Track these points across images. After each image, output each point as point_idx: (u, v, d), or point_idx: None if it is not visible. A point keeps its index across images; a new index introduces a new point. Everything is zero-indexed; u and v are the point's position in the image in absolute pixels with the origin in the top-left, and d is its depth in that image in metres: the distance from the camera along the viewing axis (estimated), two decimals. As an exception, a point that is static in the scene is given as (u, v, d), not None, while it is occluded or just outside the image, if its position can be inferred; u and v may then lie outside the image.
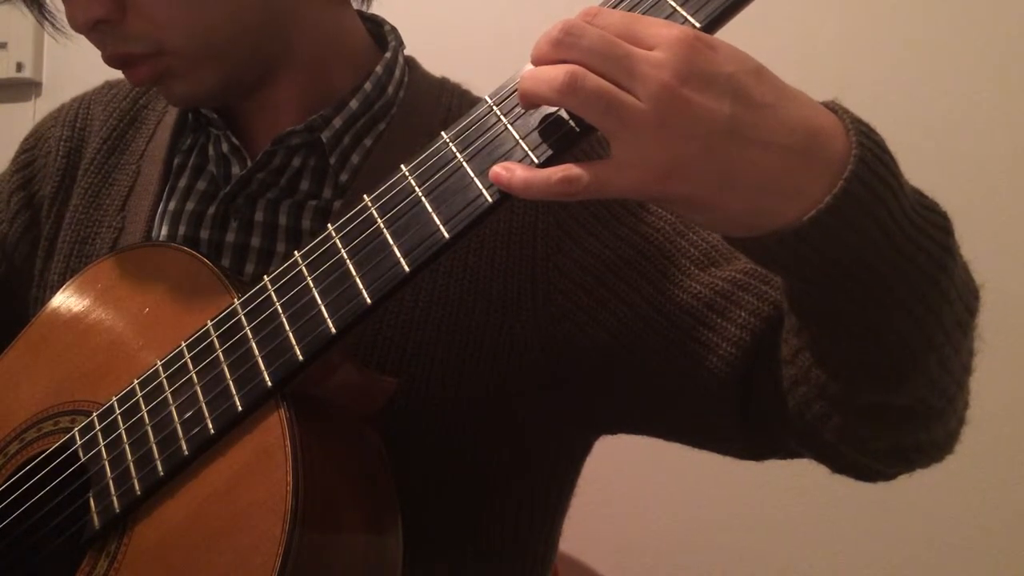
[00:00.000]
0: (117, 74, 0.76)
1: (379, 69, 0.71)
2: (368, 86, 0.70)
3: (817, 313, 0.50)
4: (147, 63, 0.63)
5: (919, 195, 0.48)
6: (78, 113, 0.82)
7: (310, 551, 0.50)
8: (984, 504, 1.17)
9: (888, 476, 0.58)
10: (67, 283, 0.68)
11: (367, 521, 0.56)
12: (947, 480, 1.16)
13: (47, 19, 0.69)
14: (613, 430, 0.73)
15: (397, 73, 0.73)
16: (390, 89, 0.72)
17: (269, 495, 0.50)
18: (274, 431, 0.52)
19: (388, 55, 0.72)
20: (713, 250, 0.64)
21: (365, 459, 0.58)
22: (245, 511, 0.51)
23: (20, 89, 1.72)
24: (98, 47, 0.65)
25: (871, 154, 0.45)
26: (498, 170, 0.47)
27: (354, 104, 0.69)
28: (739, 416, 0.61)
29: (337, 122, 0.69)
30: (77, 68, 1.74)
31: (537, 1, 1.36)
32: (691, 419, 0.65)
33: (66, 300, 0.67)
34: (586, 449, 0.75)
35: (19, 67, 1.69)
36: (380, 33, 0.76)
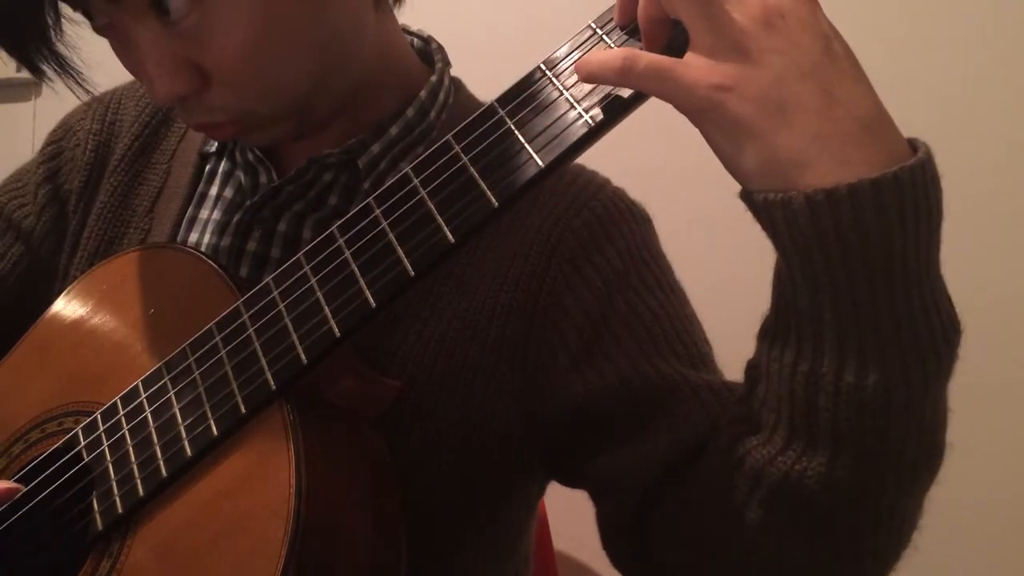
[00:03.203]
0: (114, 77, 0.76)
1: (423, 94, 0.70)
2: (410, 112, 0.69)
3: (803, 320, 0.48)
4: (233, 125, 0.62)
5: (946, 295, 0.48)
6: (109, 107, 0.80)
7: (312, 555, 0.50)
8: (982, 504, 1.17)
9: None
10: (71, 284, 0.68)
11: (371, 524, 0.56)
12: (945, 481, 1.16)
13: (73, 77, 0.63)
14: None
15: (441, 96, 0.71)
16: (432, 114, 0.70)
17: (272, 498, 0.50)
18: (278, 434, 0.52)
19: (434, 78, 0.71)
20: (699, 355, 0.64)
21: (369, 462, 0.58)
22: (248, 514, 0.51)
23: (20, 89, 1.72)
24: (183, 117, 0.63)
25: (929, 173, 0.45)
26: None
27: (394, 131, 0.68)
28: (634, 515, 0.62)
29: (375, 148, 0.67)
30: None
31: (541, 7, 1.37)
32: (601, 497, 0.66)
33: (71, 301, 0.67)
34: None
35: (19, 67, 1.69)
36: (427, 51, 0.75)
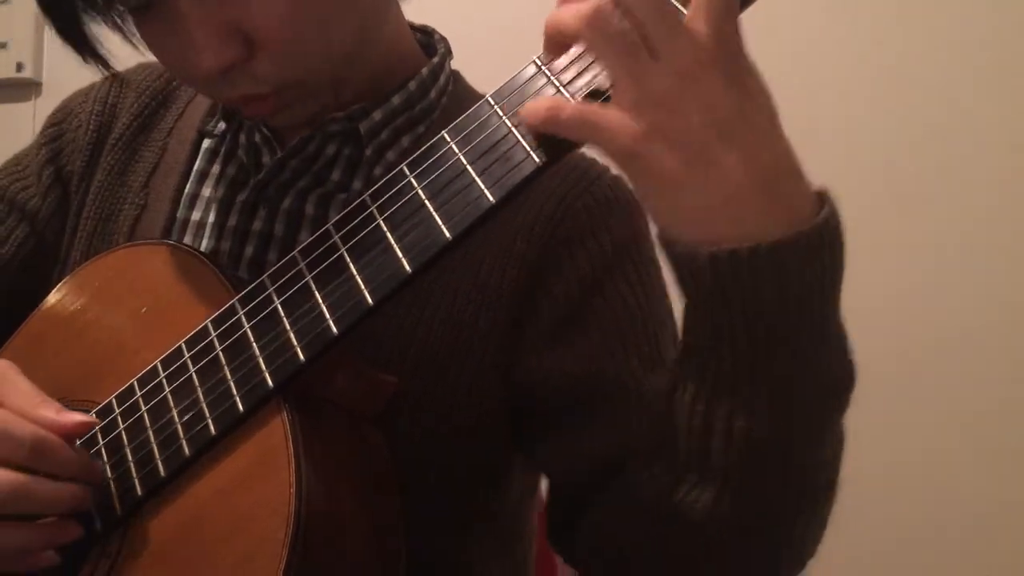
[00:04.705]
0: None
1: (424, 71, 0.71)
2: (412, 85, 0.70)
3: (705, 364, 0.50)
4: (273, 98, 0.62)
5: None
6: (111, 90, 0.80)
7: (313, 554, 0.49)
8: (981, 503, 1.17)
9: None
10: (64, 279, 0.68)
11: (371, 522, 0.56)
12: (945, 480, 1.16)
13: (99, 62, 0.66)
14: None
15: (442, 80, 0.72)
16: (433, 93, 0.71)
17: (272, 497, 0.50)
18: (276, 432, 0.52)
19: (435, 60, 0.72)
20: (661, 360, 0.65)
21: (368, 459, 0.57)
22: (248, 513, 0.51)
23: (20, 89, 1.72)
24: (225, 91, 0.62)
25: (828, 234, 0.46)
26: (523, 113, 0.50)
27: (396, 100, 0.69)
28: (568, 512, 0.64)
29: (377, 115, 0.68)
30: (77, 68, 1.75)
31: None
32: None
33: (63, 297, 0.67)
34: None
35: (19, 67, 1.69)
36: (429, 43, 0.76)
